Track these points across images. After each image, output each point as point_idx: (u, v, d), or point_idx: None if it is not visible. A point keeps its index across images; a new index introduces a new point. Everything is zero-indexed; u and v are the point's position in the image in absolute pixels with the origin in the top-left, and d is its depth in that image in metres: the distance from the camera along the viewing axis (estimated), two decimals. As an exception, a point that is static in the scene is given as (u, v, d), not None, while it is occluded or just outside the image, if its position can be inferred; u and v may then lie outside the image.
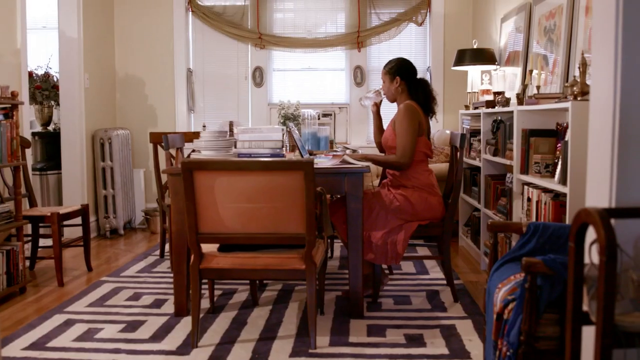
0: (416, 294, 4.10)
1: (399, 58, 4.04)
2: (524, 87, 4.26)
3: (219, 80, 6.93)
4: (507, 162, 4.15)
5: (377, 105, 4.21)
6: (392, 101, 4.06)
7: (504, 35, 5.40)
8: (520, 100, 4.10)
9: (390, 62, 4.02)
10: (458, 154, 4.00)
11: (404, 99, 3.97)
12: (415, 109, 3.84)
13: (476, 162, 5.00)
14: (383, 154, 4.06)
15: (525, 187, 3.74)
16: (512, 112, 4.02)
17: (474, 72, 5.74)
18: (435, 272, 4.65)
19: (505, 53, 5.34)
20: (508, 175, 4.21)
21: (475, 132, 5.14)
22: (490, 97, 5.06)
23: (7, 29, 4.89)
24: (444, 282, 4.26)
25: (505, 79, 5.29)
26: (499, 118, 4.48)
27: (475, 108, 5.21)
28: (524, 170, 3.81)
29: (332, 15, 6.85)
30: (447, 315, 3.64)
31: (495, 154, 4.47)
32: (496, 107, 4.58)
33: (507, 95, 4.74)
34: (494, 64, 5.42)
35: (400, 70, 3.97)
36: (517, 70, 4.91)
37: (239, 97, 6.92)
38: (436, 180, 3.99)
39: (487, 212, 4.65)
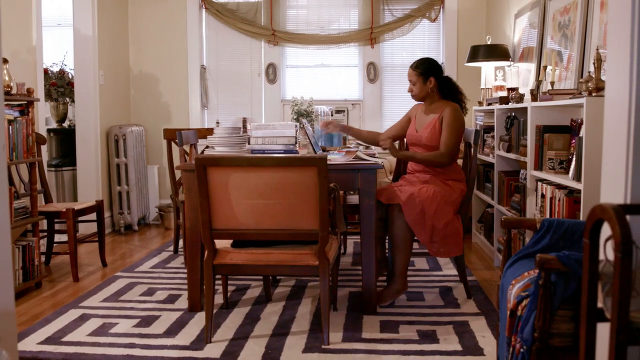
0: (429, 290, 4.10)
1: (427, 58, 4.07)
2: (538, 83, 4.24)
3: (233, 76, 6.95)
4: (521, 158, 4.13)
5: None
6: (420, 100, 4.08)
7: (518, 31, 5.37)
8: (534, 96, 4.08)
9: (420, 62, 4.02)
10: (472, 150, 3.99)
11: (435, 98, 4.01)
12: (462, 112, 3.96)
13: (490, 159, 4.99)
14: (426, 153, 3.95)
15: (539, 183, 3.72)
16: (526, 108, 4.00)
17: (488, 68, 5.71)
18: (448, 268, 4.64)
19: (519, 49, 5.31)
20: (522, 171, 4.19)
21: (488, 128, 5.12)
22: (504, 93, 5.04)
23: (22, 27, 4.93)
24: (457, 278, 4.26)
25: (519, 75, 5.26)
26: (513, 114, 4.46)
27: (489, 104, 5.19)
28: (538, 166, 3.79)
29: (345, 12, 6.84)
30: (460, 312, 3.64)
31: (509, 150, 4.45)
32: (510, 103, 4.56)
33: (521, 91, 4.72)
34: (508, 60, 5.40)
35: (433, 70, 4.00)
36: (531, 66, 4.89)
37: (253, 93, 6.93)
38: None
39: (500, 209, 4.63)
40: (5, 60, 4.19)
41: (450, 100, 3.99)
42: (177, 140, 4.54)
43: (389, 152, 3.96)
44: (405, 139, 4.28)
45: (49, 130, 6.24)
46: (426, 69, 3.99)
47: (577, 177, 3.12)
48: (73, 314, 3.66)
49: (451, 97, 4.01)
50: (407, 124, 4.23)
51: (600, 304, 1.70)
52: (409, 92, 4.09)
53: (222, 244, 3.19)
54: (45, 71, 6.09)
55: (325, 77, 6.91)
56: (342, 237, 4.83)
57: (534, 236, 2.57)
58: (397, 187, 3.81)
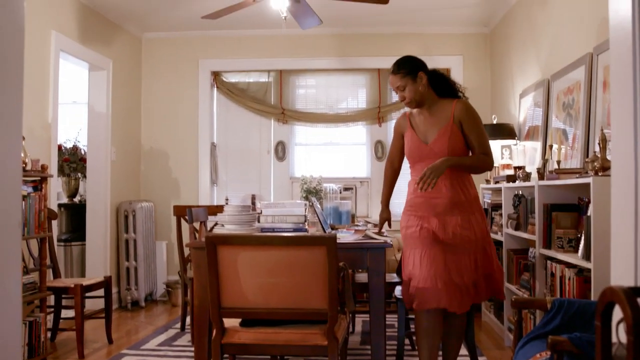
0: (439, 370, 4.03)
1: (407, 55, 3.57)
2: (545, 161, 4.29)
3: (242, 153, 7.05)
4: (529, 236, 4.13)
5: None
6: (418, 106, 3.51)
7: (523, 110, 5.47)
8: (541, 175, 4.12)
9: (401, 62, 3.50)
10: (480, 228, 3.99)
11: (433, 98, 3.50)
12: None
13: (498, 237, 4.99)
14: (473, 156, 3.45)
15: (549, 261, 3.72)
16: (533, 186, 4.04)
17: (494, 147, 5.76)
18: (458, 348, 4.57)
19: (524, 128, 5.40)
20: (530, 249, 4.19)
21: (496, 206, 5.15)
22: (510, 172, 5.09)
23: (39, 105, 5.06)
24: (467, 357, 4.18)
25: (525, 154, 5.32)
26: (520, 192, 4.49)
27: (496, 182, 5.23)
28: (547, 244, 3.80)
29: (353, 91, 6.99)
30: (472, 394, 3.57)
31: (517, 228, 4.46)
32: (517, 182, 4.60)
33: (527, 169, 4.77)
34: (514, 138, 5.47)
35: (419, 65, 3.48)
36: (537, 145, 4.95)
37: (262, 170, 7.02)
38: None
39: (510, 287, 4.60)
40: (22, 138, 4.28)
41: (451, 97, 3.51)
42: (186, 217, 4.57)
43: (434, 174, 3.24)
44: (404, 157, 3.69)
45: (59, 205, 6.30)
46: (411, 66, 3.46)
47: (587, 257, 3.12)
48: (78, 393, 3.61)
49: (450, 93, 3.52)
50: (403, 143, 3.62)
51: (614, 388, 1.68)
52: (401, 101, 3.53)
53: (230, 322, 3.17)
54: (59, 147, 6.20)
55: (333, 155, 7.00)
56: (351, 316, 4.79)
57: (545, 316, 2.56)
58: (426, 270, 3.26)
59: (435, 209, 3.38)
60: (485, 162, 3.43)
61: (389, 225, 3.79)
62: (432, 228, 3.35)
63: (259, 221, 3.74)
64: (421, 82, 3.42)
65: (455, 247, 3.31)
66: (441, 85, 3.51)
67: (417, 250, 3.35)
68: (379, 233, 3.77)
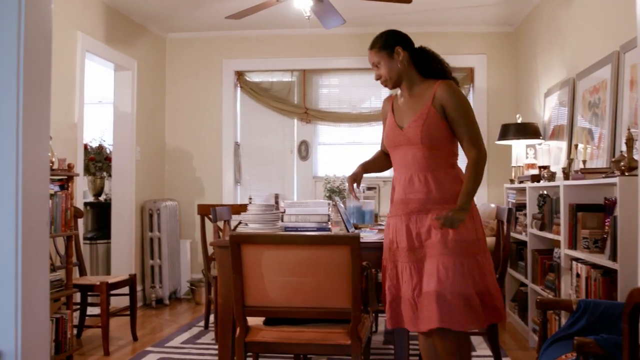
0: (463, 371, 4.01)
1: (388, 30, 3.13)
2: (570, 161, 4.25)
3: (265, 153, 7.08)
4: (554, 236, 4.10)
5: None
6: (395, 86, 3.09)
7: (548, 109, 5.42)
8: (566, 174, 4.08)
9: (377, 37, 3.09)
10: (504, 228, 3.97)
11: (415, 78, 3.05)
12: (459, 89, 3.02)
13: (522, 237, 4.95)
14: (468, 173, 2.93)
15: (574, 262, 3.68)
16: (558, 186, 4.01)
17: (519, 146, 5.74)
18: (482, 348, 4.55)
19: (549, 127, 5.35)
20: (555, 250, 4.15)
21: (520, 206, 5.11)
22: (535, 171, 5.05)
23: (66, 105, 5.12)
24: (492, 358, 4.16)
25: (550, 153, 5.28)
26: (545, 192, 4.46)
27: (521, 182, 5.20)
28: (572, 245, 3.76)
29: (376, 91, 6.98)
30: (495, 395, 3.55)
31: (541, 229, 4.43)
32: (541, 182, 4.56)
33: (552, 169, 4.73)
34: (539, 138, 5.43)
35: (398, 39, 3.05)
36: (562, 144, 4.91)
37: (285, 170, 7.04)
38: None
39: (534, 288, 4.57)
40: (49, 137, 4.34)
41: (436, 79, 3.01)
42: (210, 216, 4.60)
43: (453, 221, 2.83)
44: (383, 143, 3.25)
45: (85, 204, 6.37)
46: (387, 41, 3.04)
47: (613, 257, 3.09)
48: (103, 390, 3.65)
49: (436, 74, 3.04)
50: None
51: (641, 391, 1.66)
52: (376, 79, 3.14)
53: (254, 321, 3.18)
54: (85, 147, 6.27)
55: (357, 154, 6.99)
56: (374, 315, 4.78)
57: (571, 317, 2.54)
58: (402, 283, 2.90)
59: (407, 206, 2.96)
60: (479, 166, 2.92)
61: (358, 184, 3.28)
62: (396, 235, 2.98)
63: (282, 220, 3.75)
64: (398, 57, 2.99)
65: (420, 253, 2.90)
66: (428, 65, 3.05)
67: (386, 264, 3.05)
68: (355, 197, 3.33)
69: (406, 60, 3.01)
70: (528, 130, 5.44)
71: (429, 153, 2.93)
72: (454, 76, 3.07)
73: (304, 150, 6.98)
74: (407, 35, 3.08)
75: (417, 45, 3.13)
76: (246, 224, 3.78)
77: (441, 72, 3.04)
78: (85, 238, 6.21)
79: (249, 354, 3.59)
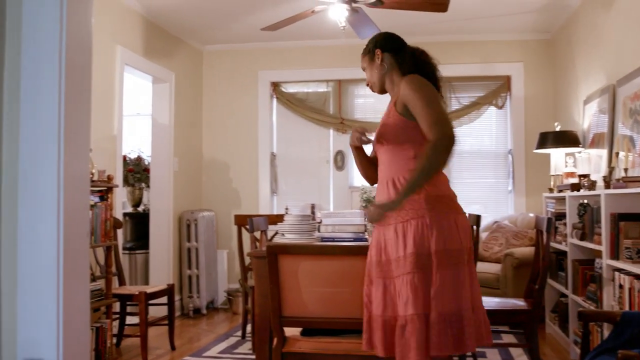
0: (502, 383, 3.95)
1: (380, 32, 2.98)
2: (611, 169, 4.17)
3: (301, 163, 7.10)
4: (595, 246, 4.02)
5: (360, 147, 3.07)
6: (381, 90, 2.91)
7: (587, 117, 5.33)
8: (607, 183, 4.01)
9: (368, 41, 2.94)
10: (544, 238, 3.91)
11: (394, 78, 2.83)
12: (425, 80, 2.71)
13: (562, 247, 4.87)
14: (418, 163, 2.59)
15: (616, 273, 3.61)
16: (599, 195, 3.93)
17: (557, 155, 5.66)
18: (521, 360, 4.48)
19: (589, 135, 5.26)
20: (597, 260, 4.07)
21: (560, 216, 5.03)
22: (575, 180, 4.97)
23: (105, 117, 5.21)
24: (532, 371, 4.10)
25: (590, 162, 5.19)
26: (585, 201, 4.38)
27: (560, 191, 5.12)
28: (614, 255, 3.68)
29: (412, 100, 6.95)
30: (536, 408, 3.48)
31: (582, 238, 4.35)
32: (581, 190, 4.49)
33: (592, 177, 4.65)
34: (578, 146, 5.35)
35: (380, 41, 2.86)
36: (603, 153, 4.82)
37: (321, 180, 7.04)
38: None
39: (575, 299, 4.48)
40: (90, 150, 4.42)
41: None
42: (247, 226, 4.62)
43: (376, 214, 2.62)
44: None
45: (124, 215, 6.46)
46: (368, 44, 2.90)
47: (657, 268, 3.02)
48: (142, 399, 3.68)
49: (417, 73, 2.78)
50: None
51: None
52: (366, 85, 3.01)
53: (291, 331, 3.18)
54: (124, 158, 6.37)
55: (392, 164, 6.97)
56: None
57: (614, 330, 2.49)
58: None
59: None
60: (434, 151, 2.52)
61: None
62: (370, 247, 2.77)
63: (319, 231, 3.75)
64: (378, 60, 2.82)
65: (385, 268, 2.65)
66: (414, 68, 2.80)
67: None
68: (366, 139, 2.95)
69: (388, 62, 2.81)
70: (567, 139, 5.36)
71: (392, 157, 2.71)
72: (433, 70, 2.82)
73: (340, 160, 6.98)
74: (394, 37, 2.88)
75: (422, 48, 2.94)
76: (283, 234, 3.79)
77: (426, 74, 2.77)
78: (124, 248, 6.29)
79: (286, 364, 3.59)
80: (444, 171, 2.71)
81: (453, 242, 2.53)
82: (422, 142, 2.61)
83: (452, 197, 2.66)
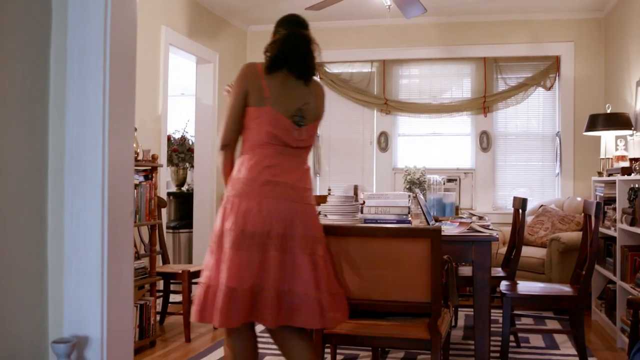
0: (546, 370, 3.89)
1: None
2: (664, 154, 4.04)
3: (345, 144, 7.06)
4: (647, 233, 3.91)
5: None
6: None
7: (641, 99, 5.17)
8: (661, 168, 3.88)
9: None
10: (592, 223, 3.81)
11: None
12: (243, 69, 2.75)
13: (611, 232, 4.75)
14: None
15: (668, 260, 3.50)
16: (651, 180, 3.81)
17: (608, 138, 5.51)
18: (566, 347, 4.40)
19: (642, 118, 5.11)
20: (648, 247, 3.96)
21: (609, 200, 4.90)
22: (626, 164, 4.83)
23: (151, 97, 5.26)
24: (577, 358, 4.02)
25: (642, 145, 5.04)
26: (637, 186, 4.25)
27: (610, 175, 4.98)
28: (666, 242, 3.58)
29: (458, 81, 6.85)
30: (581, 396, 3.42)
31: (632, 224, 4.23)
32: (633, 175, 4.36)
33: (645, 162, 4.51)
34: (630, 128, 5.19)
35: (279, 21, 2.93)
36: (656, 136, 4.67)
37: (364, 161, 7.00)
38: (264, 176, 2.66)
39: (623, 286, 4.37)
40: (134, 129, 4.47)
41: None
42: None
43: None
44: None
45: (168, 194, 6.54)
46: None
47: None
48: (185, 376, 3.74)
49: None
50: None
51: None
52: None
53: (332, 312, 3.17)
54: (168, 138, 6.43)
55: (437, 146, 6.89)
56: (454, 310, 4.70)
57: (665, 319, 2.41)
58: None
59: None
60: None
61: None
62: None
63: (362, 212, 3.72)
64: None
65: None
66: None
67: None
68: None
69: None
70: (618, 121, 5.21)
71: None
72: (293, 59, 2.74)
73: (384, 141, 6.93)
74: (287, 16, 2.92)
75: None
76: (325, 215, 3.77)
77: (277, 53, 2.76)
78: (168, 227, 6.37)
79: (327, 345, 3.60)
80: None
81: (245, 225, 2.58)
82: (246, 126, 2.73)
83: (249, 178, 2.65)
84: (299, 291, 2.56)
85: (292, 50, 2.73)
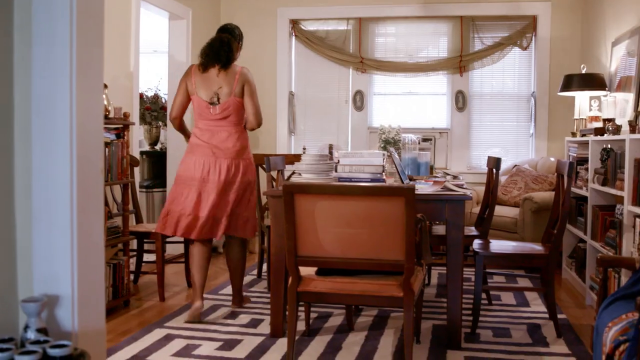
0: (516, 327, 3.96)
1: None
2: (637, 114, 4.06)
3: (320, 103, 7.01)
4: (617, 192, 3.95)
5: None
6: None
7: (615, 59, 5.18)
8: (633, 127, 3.91)
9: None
10: (565, 182, 3.85)
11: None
12: (186, 71, 4.28)
13: (583, 192, 4.80)
14: None
15: (637, 219, 3.55)
16: (623, 140, 3.84)
17: (582, 98, 5.53)
18: (536, 304, 4.48)
19: (616, 78, 5.12)
20: (618, 206, 4.01)
21: (582, 160, 4.94)
22: (599, 124, 4.86)
23: (121, 54, 5.15)
24: (546, 315, 4.09)
25: (615, 106, 5.07)
26: (609, 146, 4.29)
27: (583, 135, 5.02)
28: (636, 201, 3.62)
29: (434, 40, 6.80)
30: (550, 351, 3.49)
31: (604, 184, 4.27)
32: (606, 135, 4.39)
33: (617, 122, 4.54)
34: (604, 89, 5.21)
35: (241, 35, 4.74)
36: (629, 97, 4.70)
37: (339, 120, 6.97)
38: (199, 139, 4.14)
39: (594, 245, 4.44)
40: (105, 86, 4.38)
41: None
42: (264, 165, 4.59)
43: None
44: None
45: (141, 153, 6.46)
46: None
47: (681, 215, 2.95)
48: (158, 334, 3.74)
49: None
50: None
51: None
52: None
53: (306, 271, 3.18)
54: (141, 96, 6.32)
55: (412, 105, 6.87)
56: (427, 268, 4.75)
57: (633, 276, 2.45)
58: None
59: None
60: None
61: None
62: None
63: (336, 171, 3.71)
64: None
65: None
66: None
67: None
68: None
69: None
70: (593, 81, 5.23)
71: None
72: (208, 53, 4.23)
73: (359, 100, 6.89)
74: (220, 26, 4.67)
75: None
76: (300, 174, 3.76)
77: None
78: (141, 186, 6.31)
79: (300, 303, 3.61)
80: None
81: (185, 171, 4.10)
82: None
83: (192, 142, 4.17)
84: (208, 215, 4.01)
85: (211, 49, 4.20)
